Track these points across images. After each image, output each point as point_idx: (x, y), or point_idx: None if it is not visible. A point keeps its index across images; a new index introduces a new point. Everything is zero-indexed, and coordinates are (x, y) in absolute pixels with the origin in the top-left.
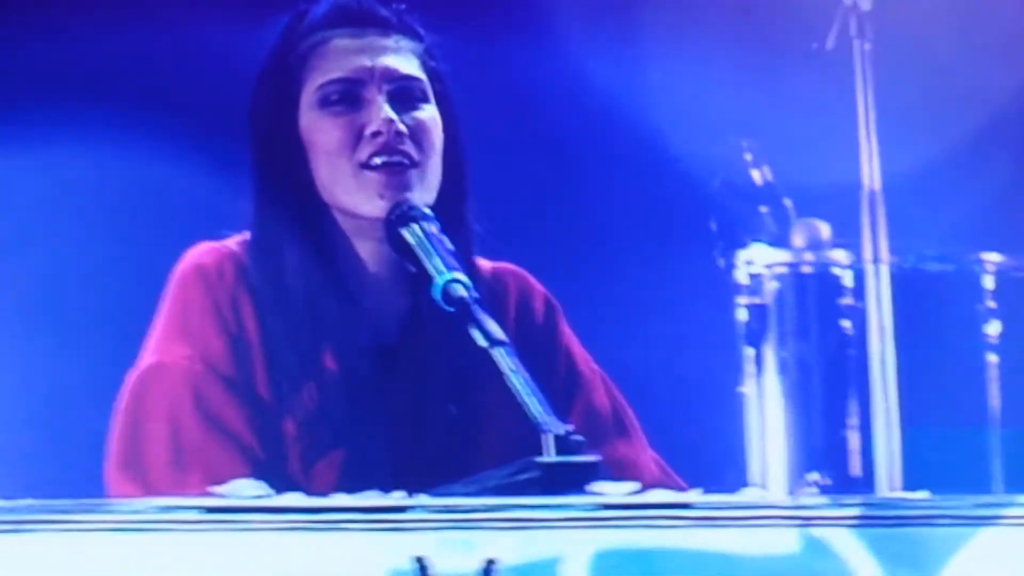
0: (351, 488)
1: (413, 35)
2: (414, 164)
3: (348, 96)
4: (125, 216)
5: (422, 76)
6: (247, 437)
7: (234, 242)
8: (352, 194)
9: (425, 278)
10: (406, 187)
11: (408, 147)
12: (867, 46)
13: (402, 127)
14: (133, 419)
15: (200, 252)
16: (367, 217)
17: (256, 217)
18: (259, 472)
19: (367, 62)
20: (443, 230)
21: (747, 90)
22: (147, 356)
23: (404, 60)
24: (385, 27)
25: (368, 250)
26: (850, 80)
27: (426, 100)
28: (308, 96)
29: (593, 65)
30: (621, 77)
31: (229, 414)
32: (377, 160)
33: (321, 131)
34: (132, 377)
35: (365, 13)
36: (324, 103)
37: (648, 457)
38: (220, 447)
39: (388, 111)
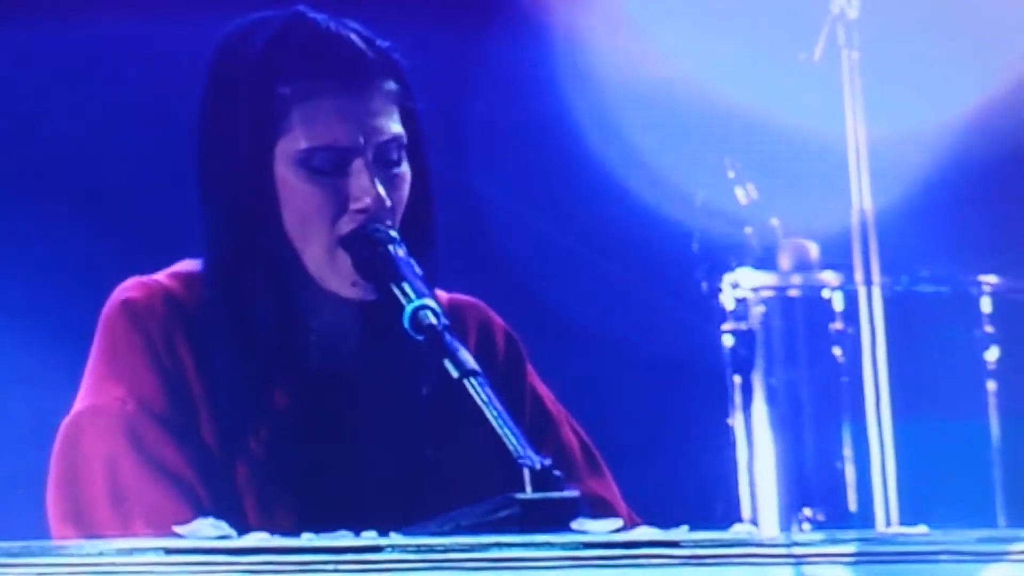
0: (314, 529)
1: (393, 74)
2: (389, 235)
3: (333, 164)
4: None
5: (401, 131)
6: (191, 478)
7: (165, 275)
8: (323, 267)
9: (391, 304)
10: None
11: (387, 218)
12: (855, 56)
13: (388, 200)
14: (69, 466)
15: (127, 288)
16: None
17: (210, 246)
18: (205, 515)
19: (354, 129)
20: (411, 253)
21: (730, 104)
22: (79, 400)
23: (387, 118)
24: (368, 73)
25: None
26: (838, 92)
27: (403, 156)
28: (288, 149)
29: (572, 82)
30: (600, 93)
31: (168, 454)
32: (356, 239)
33: (299, 193)
34: (65, 423)
35: (347, 57)
36: (306, 165)
37: (620, 497)
38: (163, 490)
39: (376, 187)
